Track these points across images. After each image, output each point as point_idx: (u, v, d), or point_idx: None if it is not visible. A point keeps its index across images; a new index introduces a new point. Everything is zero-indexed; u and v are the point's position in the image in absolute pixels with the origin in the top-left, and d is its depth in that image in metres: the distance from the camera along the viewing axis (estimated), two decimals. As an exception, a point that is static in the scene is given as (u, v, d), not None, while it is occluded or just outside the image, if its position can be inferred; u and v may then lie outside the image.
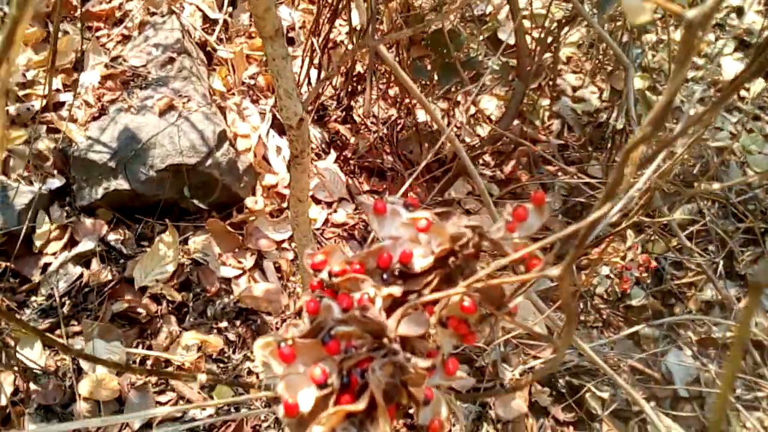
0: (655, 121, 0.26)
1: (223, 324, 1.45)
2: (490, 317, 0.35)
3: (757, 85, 2.62)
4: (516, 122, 2.09)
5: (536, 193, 0.35)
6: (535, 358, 1.58)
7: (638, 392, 1.60)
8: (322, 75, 1.85)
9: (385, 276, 0.35)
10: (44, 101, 1.54)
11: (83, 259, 1.45)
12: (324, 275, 0.35)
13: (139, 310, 1.41)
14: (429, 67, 1.74)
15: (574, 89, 2.36)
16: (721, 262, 1.84)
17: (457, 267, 0.34)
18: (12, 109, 1.51)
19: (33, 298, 1.37)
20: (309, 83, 1.87)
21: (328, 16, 1.75)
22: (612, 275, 1.30)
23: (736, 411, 1.63)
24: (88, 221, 1.50)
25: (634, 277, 1.34)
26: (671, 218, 1.55)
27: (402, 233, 0.36)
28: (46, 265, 1.42)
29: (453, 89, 1.94)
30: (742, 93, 2.61)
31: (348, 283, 0.35)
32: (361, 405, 0.31)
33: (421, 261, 0.35)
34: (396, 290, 0.34)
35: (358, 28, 1.73)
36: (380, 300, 0.33)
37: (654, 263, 1.35)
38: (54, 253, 1.45)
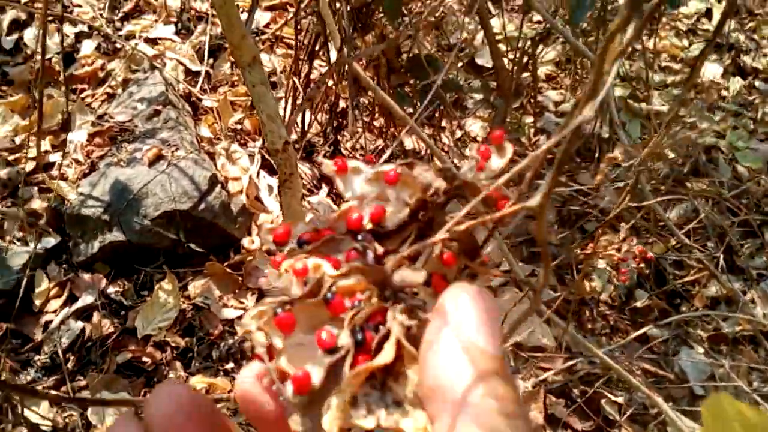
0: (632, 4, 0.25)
1: (230, 365, 1.44)
2: (467, 270, 0.33)
3: (735, 83, 2.66)
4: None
5: (493, 132, 0.33)
6: (545, 370, 1.57)
7: (654, 394, 1.58)
8: (308, 113, 1.88)
9: (359, 237, 0.32)
10: (34, 163, 1.55)
11: (84, 314, 1.45)
12: (292, 246, 0.32)
13: (144, 359, 1.40)
14: (410, 94, 1.76)
15: (557, 104, 2.39)
16: (721, 257, 1.84)
17: (429, 219, 0.32)
18: (2, 173, 1.53)
19: (36, 357, 1.36)
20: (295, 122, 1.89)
21: (307, 55, 1.79)
22: (609, 268, 1.30)
23: (756, 404, 1.61)
24: (87, 276, 1.50)
25: (633, 269, 1.34)
26: (665, 219, 1.56)
27: (367, 191, 0.33)
28: (47, 323, 1.42)
29: (436, 113, 1.97)
30: (723, 93, 2.65)
31: (325, 246, 0.32)
32: (387, 357, 0.27)
33: (395, 217, 0.32)
34: (379, 248, 0.31)
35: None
36: (371, 253, 0.31)
37: (651, 254, 1.35)
38: (54, 311, 1.44)
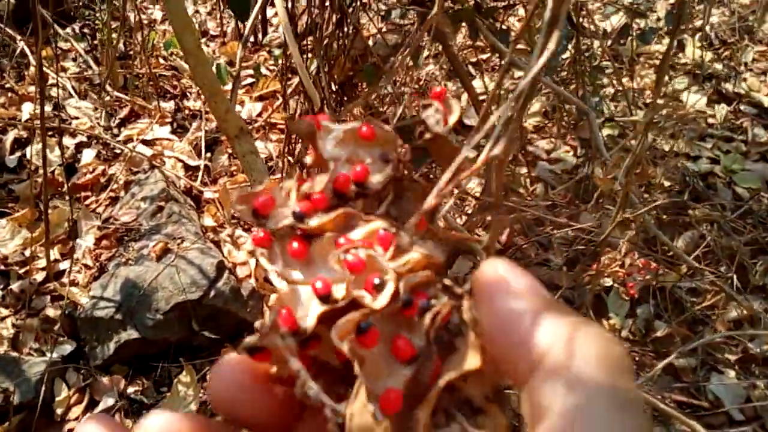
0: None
1: (256, 450, 1.41)
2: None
3: (721, 110, 2.71)
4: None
5: (434, 90, 0.31)
6: None
7: (694, 422, 1.54)
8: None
9: (349, 205, 0.28)
10: (45, 273, 1.58)
11: (106, 417, 1.44)
12: (285, 220, 0.28)
13: (170, 455, 1.38)
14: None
15: (548, 152, 2.43)
16: (735, 278, 1.83)
17: (401, 177, 0.29)
18: (15, 286, 1.55)
19: (62, 467, 1.35)
20: (294, 201, 1.93)
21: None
22: (616, 285, 1.29)
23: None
24: (105, 379, 1.50)
25: (640, 281, 1.33)
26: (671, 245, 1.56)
27: (338, 153, 0.30)
28: (70, 431, 1.41)
29: (431, 174, 2.01)
30: (711, 120, 2.70)
31: (333, 223, 0.27)
32: (475, 362, 0.24)
33: (378, 176, 0.29)
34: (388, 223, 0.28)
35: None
36: (406, 235, 0.27)
37: (654, 264, 1.35)
38: (76, 418, 1.44)
